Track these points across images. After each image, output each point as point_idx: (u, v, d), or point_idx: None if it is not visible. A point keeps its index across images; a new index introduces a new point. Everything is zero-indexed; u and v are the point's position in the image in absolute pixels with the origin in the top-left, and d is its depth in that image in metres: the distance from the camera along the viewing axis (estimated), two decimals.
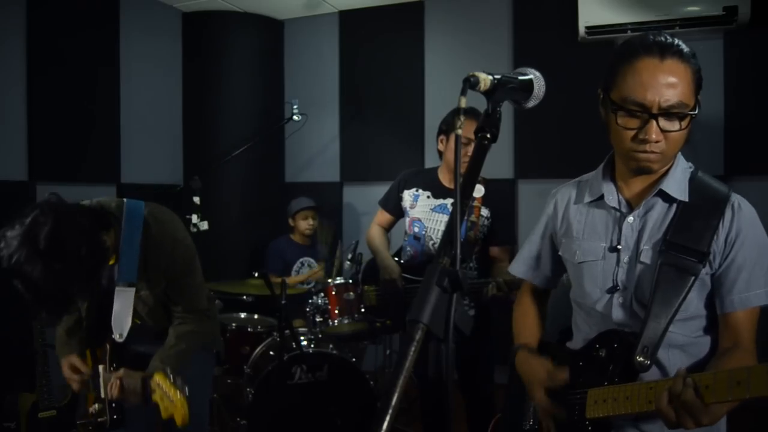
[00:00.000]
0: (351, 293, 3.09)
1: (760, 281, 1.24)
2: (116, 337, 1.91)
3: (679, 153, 1.31)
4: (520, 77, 0.88)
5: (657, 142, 1.19)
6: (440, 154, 2.80)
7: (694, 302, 1.26)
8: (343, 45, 4.58)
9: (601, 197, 1.36)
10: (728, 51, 3.51)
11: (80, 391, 2.03)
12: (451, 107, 2.84)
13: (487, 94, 0.82)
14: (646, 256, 1.29)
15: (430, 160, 4.20)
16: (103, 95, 3.87)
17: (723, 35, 3.50)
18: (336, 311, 3.10)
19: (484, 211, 2.66)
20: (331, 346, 3.08)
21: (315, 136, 4.64)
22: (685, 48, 1.19)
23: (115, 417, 1.93)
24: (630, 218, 1.32)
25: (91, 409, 2.01)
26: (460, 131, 0.75)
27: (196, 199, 3.57)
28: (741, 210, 1.27)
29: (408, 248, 2.84)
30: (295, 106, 4.03)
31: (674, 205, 1.29)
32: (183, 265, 1.92)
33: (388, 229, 3.01)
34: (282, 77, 4.79)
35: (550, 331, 1.64)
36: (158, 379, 1.68)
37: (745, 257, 1.24)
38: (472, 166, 0.80)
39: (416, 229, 2.77)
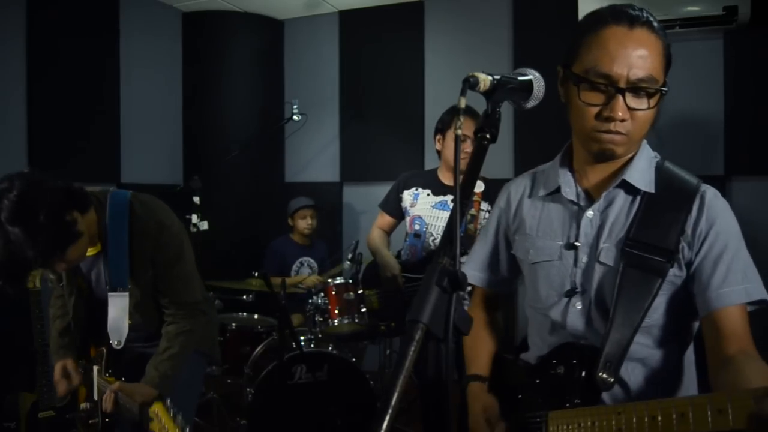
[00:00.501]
0: (351, 293, 3.09)
1: (737, 276, 1.09)
2: (114, 344, 1.87)
3: (645, 140, 1.20)
4: (520, 78, 0.88)
5: (623, 120, 1.07)
6: (438, 153, 2.81)
7: (660, 308, 1.13)
8: (343, 45, 4.58)
9: (558, 190, 1.23)
10: (728, 51, 3.50)
11: (63, 396, 1.98)
12: (449, 107, 2.84)
13: (487, 94, 0.82)
14: (606, 256, 1.15)
15: (430, 160, 4.21)
16: (103, 95, 3.87)
17: (723, 35, 3.50)
18: (336, 311, 3.11)
19: (484, 205, 2.67)
20: (331, 346, 3.08)
21: (315, 136, 4.64)
22: (654, 20, 1.09)
23: (107, 420, 1.87)
24: (589, 212, 1.18)
25: (82, 406, 1.98)
26: (459, 131, 0.75)
27: (196, 199, 3.57)
28: (711, 201, 1.13)
29: (408, 247, 2.85)
30: (295, 106, 4.03)
31: (638, 198, 1.16)
32: (171, 252, 1.85)
33: (389, 232, 3.02)
34: (282, 77, 4.79)
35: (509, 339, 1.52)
36: (157, 409, 1.56)
37: (720, 251, 1.10)
38: (472, 166, 0.81)
39: (417, 227, 2.78)
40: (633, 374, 1.15)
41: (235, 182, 4.43)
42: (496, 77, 0.81)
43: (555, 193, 1.25)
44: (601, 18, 1.09)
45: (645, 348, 1.14)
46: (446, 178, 2.76)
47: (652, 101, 1.08)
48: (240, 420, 3.05)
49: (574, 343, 1.17)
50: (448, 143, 2.70)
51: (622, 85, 1.05)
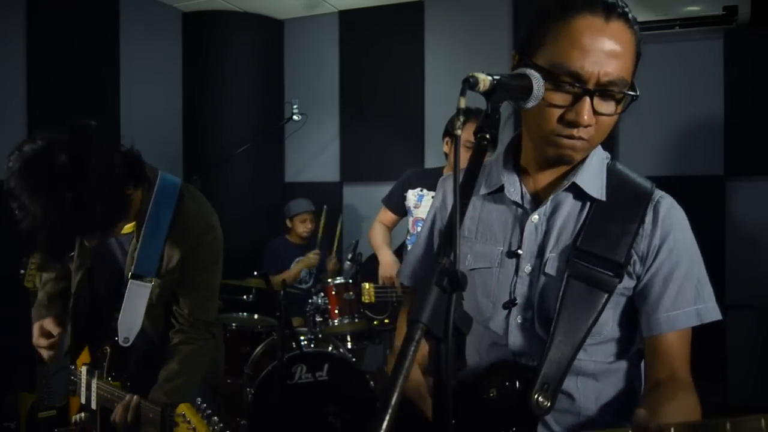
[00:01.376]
0: (351, 293, 3.10)
1: (688, 297, 1.02)
2: (121, 340, 1.62)
3: None
4: (520, 78, 0.87)
5: (587, 126, 0.96)
6: (446, 155, 2.81)
7: (609, 323, 1.05)
8: (343, 45, 4.58)
9: (501, 189, 1.12)
10: (728, 51, 3.50)
11: (50, 362, 1.78)
12: (450, 107, 2.82)
13: (487, 94, 0.81)
14: (551, 267, 1.05)
15: (430, 160, 4.21)
16: (103, 95, 3.86)
17: (723, 35, 3.50)
18: (336, 311, 3.11)
19: None
20: (331, 346, 3.08)
21: (315, 136, 4.64)
22: (630, 11, 0.97)
23: None
24: (534, 217, 1.08)
25: (75, 418, 1.76)
26: (459, 132, 0.75)
27: None
28: (666, 211, 1.04)
29: (410, 247, 2.85)
30: (295, 106, 4.03)
31: (587, 204, 1.06)
32: (207, 256, 1.66)
33: (391, 227, 3.02)
34: (282, 77, 4.79)
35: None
36: (184, 411, 1.32)
37: (672, 268, 1.02)
38: (472, 166, 0.81)
39: (419, 229, 2.79)
40: (584, 391, 1.06)
41: (235, 182, 4.43)
42: (495, 77, 0.80)
43: (497, 193, 1.14)
44: (571, 3, 0.96)
45: (594, 363, 1.06)
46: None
47: (620, 107, 0.98)
48: (240, 420, 3.05)
49: (508, 361, 1.07)
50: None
51: (591, 86, 0.94)
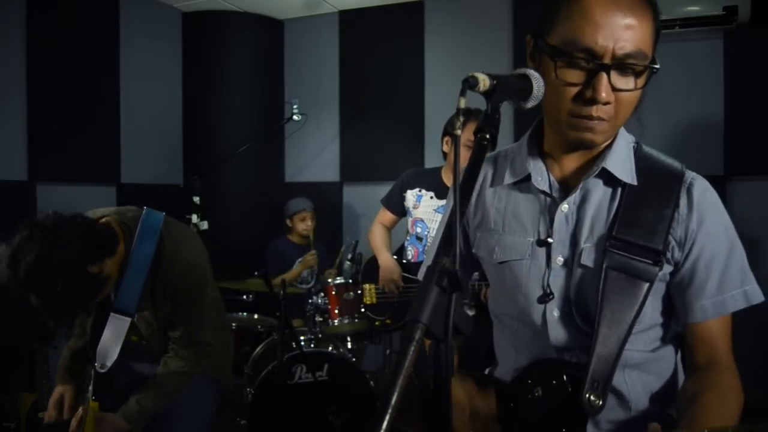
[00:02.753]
0: (351, 293, 3.10)
1: (735, 280, 0.99)
2: (98, 366, 1.74)
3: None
4: (519, 77, 0.87)
5: (606, 103, 0.92)
6: (444, 155, 2.81)
7: (650, 311, 1.01)
8: (343, 45, 4.58)
9: (527, 177, 1.07)
10: (728, 51, 3.50)
11: (49, 421, 1.90)
12: (450, 107, 2.83)
13: (487, 94, 0.80)
14: (587, 258, 1.01)
15: (430, 160, 4.21)
16: (103, 95, 3.87)
17: (723, 35, 3.50)
18: (336, 311, 3.11)
19: None
20: (331, 346, 3.08)
21: (315, 136, 4.64)
22: None
23: None
24: (564, 206, 1.03)
25: (45, 418, 1.89)
26: (459, 132, 0.74)
27: (196, 199, 3.57)
28: (699, 192, 1.00)
29: (409, 248, 2.85)
30: (295, 106, 4.03)
31: (619, 189, 1.02)
32: (191, 291, 1.78)
33: (390, 227, 3.01)
34: (282, 77, 4.79)
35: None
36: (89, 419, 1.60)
37: (714, 252, 0.99)
38: (472, 166, 0.80)
39: (418, 230, 2.78)
40: (631, 383, 1.04)
41: (235, 182, 4.43)
42: (495, 77, 0.80)
43: (523, 182, 1.09)
44: None
45: (638, 353, 1.03)
46: (450, 180, 2.76)
47: (640, 81, 0.93)
48: (240, 420, 3.05)
49: (553, 359, 1.03)
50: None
51: (607, 60, 0.90)
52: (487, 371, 1.22)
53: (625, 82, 0.93)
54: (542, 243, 1.05)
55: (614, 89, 0.92)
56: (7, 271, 1.41)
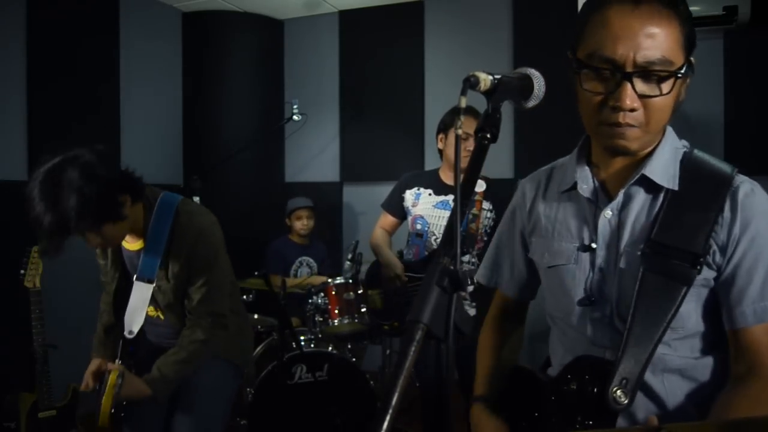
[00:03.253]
0: (351, 293, 3.09)
1: None
2: (126, 333, 1.91)
3: (669, 128, 1.09)
4: (520, 77, 0.87)
5: (632, 110, 0.95)
6: (440, 152, 2.81)
7: (693, 317, 1.02)
8: (343, 45, 4.58)
9: (574, 186, 1.12)
10: (728, 51, 3.50)
11: (85, 389, 1.99)
12: (450, 107, 2.84)
13: (487, 94, 0.81)
14: (626, 261, 1.04)
15: (430, 160, 4.21)
16: (103, 95, 3.86)
17: (723, 35, 3.50)
18: (336, 311, 3.11)
19: (486, 204, 2.67)
20: (331, 346, 3.08)
21: (315, 136, 4.64)
22: None
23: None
24: (608, 212, 1.06)
25: (82, 387, 1.97)
26: (459, 131, 0.74)
27: (196, 199, 3.57)
28: (747, 196, 0.99)
29: (411, 246, 2.85)
30: (295, 106, 4.03)
31: (661, 195, 1.03)
32: (203, 260, 1.90)
33: (391, 232, 3.02)
34: (282, 77, 4.78)
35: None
36: (112, 374, 1.75)
37: (757, 257, 0.97)
38: (472, 165, 0.80)
39: (419, 226, 2.78)
40: (670, 387, 1.03)
41: (235, 182, 4.43)
42: (496, 77, 0.80)
43: (571, 191, 1.13)
44: None
45: (680, 358, 1.03)
46: (448, 178, 2.76)
47: (666, 86, 0.94)
48: (240, 420, 3.05)
49: (589, 356, 1.07)
50: (450, 142, 2.70)
51: (629, 69, 0.93)
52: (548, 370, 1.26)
53: (650, 89, 0.95)
54: (586, 248, 1.09)
55: (640, 96, 0.95)
56: (54, 170, 1.63)
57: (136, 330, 1.91)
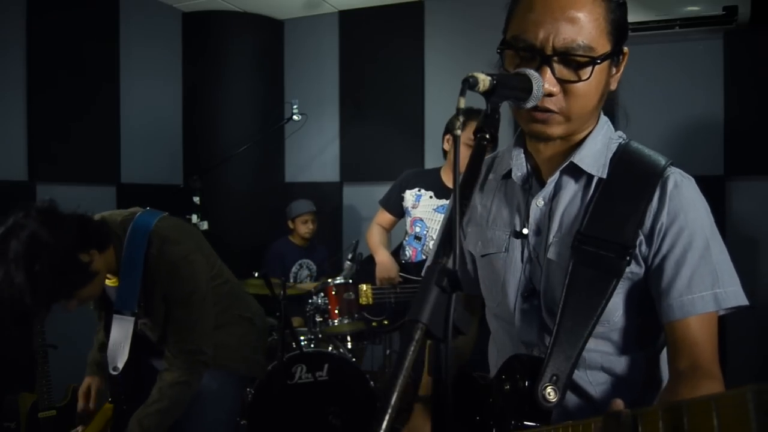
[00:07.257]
0: (351, 293, 3.09)
1: (705, 281, 0.93)
2: (111, 370, 1.77)
3: (605, 118, 1.05)
4: (519, 77, 0.87)
5: (551, 95, 0.92)
6: (445, 153, 2.81)
7: (620, 309, 0.98)
8: (343, 45, 4.58)
9: (510, 173, 1.09)
10: (728, 51, 3.50)
11: (80, 413, 1.95)
12: (450, 107, 2.83)
13: (487, 94, 0.80)
14: (554, 252, 1.00)
15: (430, 160, 4.21)
16: (103, 95, 3.87)
17: (723, 35, 3.50)
18: (336, 311, 3.11)
19: None
20: (331, 346, 3.08)
21: (315, 136, 4.64)
22: None
23: None
24: (539, 201, 1.04)
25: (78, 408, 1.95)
26: (459, 131, 0.74)
27: (196, 199, 3.57)
28: (676, 187, 0.96)
29: (408, 248, 2.85)
30: (295, 106, 4.03)
31: (593, 185, 1.01)
32: (178, 295, 1.76)
33: (388, 229, 3.01)
34: (282, 77, 4.79)
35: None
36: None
37: (685, 249, 0.94)
38: (472, 166, 0.80)
39: (417, 229, 2.78)
40: (597, 385, 1.01)
41: (235, 182, 4.43)
42: (495, 77, 0.80)
43: (507, 178, 1.11)
44: None
45: (606, 355, 1.01)
46: (449, 180, 2.76)
47: (584, 72, 0.92)
48: (240, 420, 3.05)
49: (519, 355, 1.02)
50: None
51: (548, 52, 0.91)
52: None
53: (570, 74, 0.93)
54: (518, 235, 1.06)
55: (560, 81, 0.92)
56: (3, 238, 1.46)
57: (121, 366, 1.77)
